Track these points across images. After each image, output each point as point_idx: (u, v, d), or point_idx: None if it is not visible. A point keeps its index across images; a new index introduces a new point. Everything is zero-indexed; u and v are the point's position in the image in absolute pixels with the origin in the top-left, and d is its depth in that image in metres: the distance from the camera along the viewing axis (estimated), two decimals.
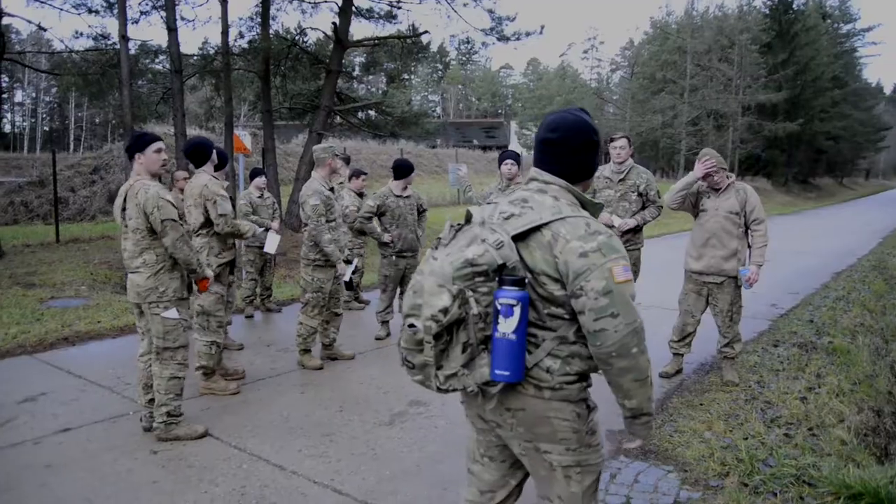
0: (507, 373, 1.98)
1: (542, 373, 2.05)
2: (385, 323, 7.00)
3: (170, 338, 4.25)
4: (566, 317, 2.05)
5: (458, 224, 2.13)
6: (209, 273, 4.44)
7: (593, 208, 2.19)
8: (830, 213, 30.00)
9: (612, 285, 1.94)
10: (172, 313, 4.24)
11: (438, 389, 2.03)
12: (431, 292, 1.95)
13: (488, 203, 2.25)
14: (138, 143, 4.24)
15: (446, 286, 1.94)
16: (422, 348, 1.98)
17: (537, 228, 2.02)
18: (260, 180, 8.00)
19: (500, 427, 2.18)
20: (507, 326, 1.96)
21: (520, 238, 2.02)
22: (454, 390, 2.03)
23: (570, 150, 2.18)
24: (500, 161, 6.33)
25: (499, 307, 1.95)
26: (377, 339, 6.89)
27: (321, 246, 5.65)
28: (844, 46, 53.34)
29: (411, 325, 1.97)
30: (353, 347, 6.48)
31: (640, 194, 5.68)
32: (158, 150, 4.25)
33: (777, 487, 3.55)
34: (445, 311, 1.92)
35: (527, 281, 2.02)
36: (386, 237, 6.76)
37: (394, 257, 6.83)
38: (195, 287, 4.50)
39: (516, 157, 6.35)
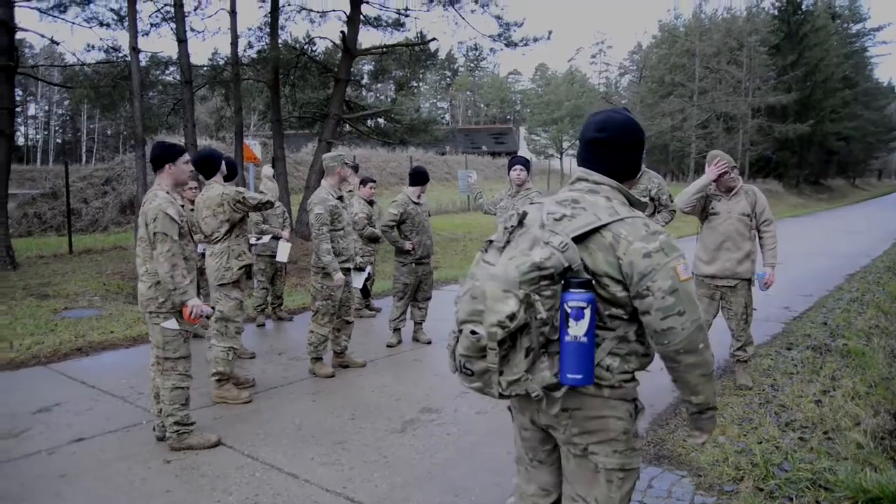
0: (579, 376, 1.96)
1: (603, 371, 2.06)
2: (397, 331, 7.00)
3: (169, 348, 4.26)
4: (625, 317, 2.06)
5: (512, 226, 2.10)
6: (189, 300, 4.20)
7: (641, 207, 2.22)
8: (843, 215, 29.79)
9: (678, 284, 1.97)
10: (172, 324, 4.25)
11: (500, 395, 2.00)
12: (496, 298, 1.91)
13: (531, 204, 2.25)
14: (171, 154, 4.30)
15: (512, 291, 1.90)
16: (484, 355, 1.95)
17: (597, 230, 2.02)
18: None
19: (553, 429, 2.17)
20: (577, 329, 1.93)
21: (578, 240, 2.01)
22: (516, 395, 2.02)
23: (619, 149, 2.20)
24: (510, 167, 6.33)
25: (568, 310, 1.93)
26: (388, 346, 6.89)
27: (319, 255, 5.68)
28: (854, 46, 53.05)
29: (473, 332, 1.93)
30: (365, 355, 6.48)
31: (651, 199, 5.64)
32: (187, 161, 4.37)
33: (793, 492, 3.51)
34: (513, 316, 1.89)
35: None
36: (407, 245, 6.77)
37: (413, 265, 6.85)
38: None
39: (526, 163, 6.34)
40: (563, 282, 1.96)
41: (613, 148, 2.20)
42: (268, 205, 5.30)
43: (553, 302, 1.95)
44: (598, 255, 2.02)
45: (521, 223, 2.10)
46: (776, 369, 5.79)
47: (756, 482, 3.65)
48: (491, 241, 2.13)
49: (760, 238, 5.27)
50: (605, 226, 2.03)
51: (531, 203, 2.27)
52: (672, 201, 5.65)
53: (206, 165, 5.21)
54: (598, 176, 2.20)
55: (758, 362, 5.98)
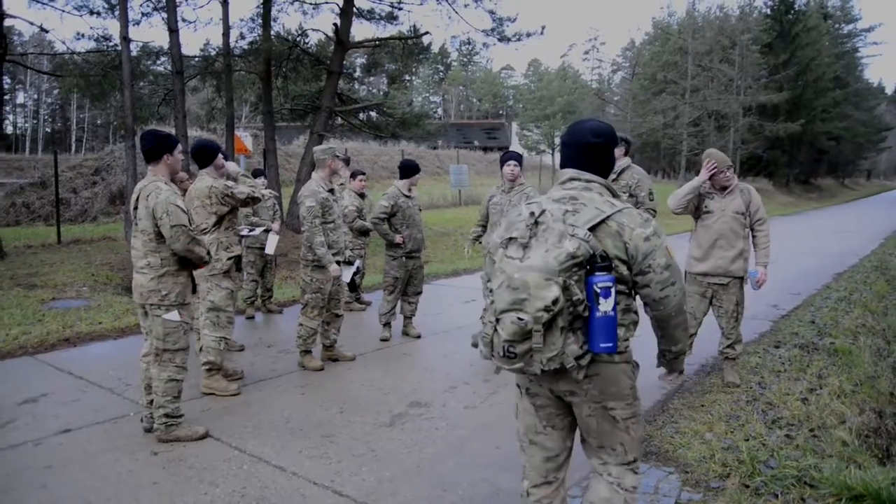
0: (609, 344, 2.30)
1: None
2: (388, 325, 7.00)
3: (170, 340, 4.25)
4: (627, 291, 2.42)
5: (532, 222, 2.36)
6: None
7: (618, 198, 2.57)
8: (832, 214, 29.96)
9: (670, 260, 2.40)
10: (174, 316, 4.24)
11: (541, 371, 2.28)
12: (539, 286, 2.19)
13: (529, 203, 2.49)
14: (168, 144, 4.29)
15: (553, 279, 2.20)
16: (528, 337, 2.21)
17: (604, 220, 2.36)
18: (260, 181, 8.01)
19: (573, 395, 2.47)
20: (606, 306, 2.27)
21: (591, 230, 2.33)
22: (553, 370, 2.30)
23: (608, 152, 2.59)
24: (503, 162, 6.28)
25: (598, 290, 2.26)
26: (382, 340, 6.88)
27: (313, 248, 5.66)
28: (846, 47, 53.30)
29: (520, 318, 2.19)
30: (354, 349, 6.48)
31: (630, 195, 5.63)
32: (181, 151, 4.38)
33: (778, 489, 3.54)
34: (556, 301, 2.18)
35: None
36: (397, 238, 6.77)
37: (403, 258, 6.84)
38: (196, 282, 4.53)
39: (518, 158, 6.33)
40: (587, 267, 2.28)
41: (605, 151, 2.57)
42: (256, 200, 5.29)
43: (580, 285, 2.27)
44: (607, 241, 2.34)
45: (536, 222, 2.36)
46: (764, 367, 5.82)
47: (742, 479, 3.67)
48: (511, 238, 2.36)
49: (754, 237, 5.29)
50: (609, 216, 2.36)
51: (529, 202, 2.51)
52: (652, 199, 5.61)
53: (201, 155, 5.20)
54: (589, 175, 2.54)
55: (745, 360, 6.01)
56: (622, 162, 5.59)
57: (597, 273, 2.28)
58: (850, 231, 20.21)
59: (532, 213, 2.38)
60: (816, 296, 9.35)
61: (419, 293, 7.10)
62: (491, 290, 2.34)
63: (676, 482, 3.70)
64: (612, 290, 2.28)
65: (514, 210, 2.58)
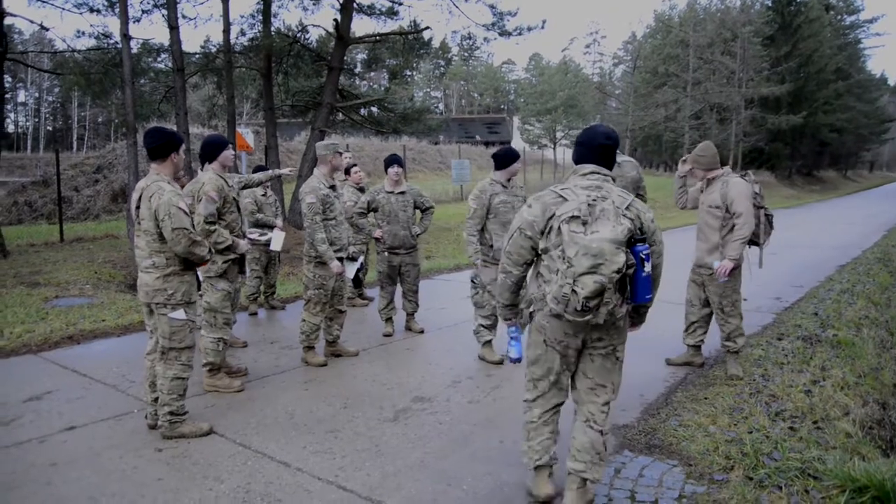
0: (649, 296, 3.10)
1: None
2: (389, 320, 7.00)
3: (176, 338, 4.25)
4: None
5: (588, 207, 2.96)
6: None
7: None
8: (834, 206, 29.91)
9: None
10: (180, 314, 4.24)
11: (604, 321, 2.98)
12: (612, 253, 2.84)
13: (564, 190, 3.12)
14: (175, 142, 4.28)
15: (621, 248, 2.87)
16: (601, 294, 2.86)
17: (629, 205, 3.06)
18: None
19: (600, 340, 3.16)
20: (647, 268, 3.02)
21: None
22: (607, 319, 2.98)
23: (615, 152, 3.27)
24: (510, 160, 6.08)
25: (643, 256, 2.99)
26: (385, 335, 6.89)
27: (315, 245, 5.65)
28: (848, 38, 53.12)
29: (597, 280, 2.82)
30: (357, 344, 6.48)
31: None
32: (184, 149, 4.36)
33: (782, 481, 3.54)
34: (623, 265, 2.86)
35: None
36: (376, 233, 6.79)
37: (386, 254, 6.86)
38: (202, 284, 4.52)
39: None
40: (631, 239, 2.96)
41: (614, 151, 3.25)
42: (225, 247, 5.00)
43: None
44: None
45: (590, 206, 2.97)
46: (767, 359, 5.82)
47: (746, 471, 3.67)
48: (574, 217, 2.94)
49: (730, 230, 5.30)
50: (631, 202, 3.09)
51: (562, 188, 3.14)
52: (644, 193, 6.11)
53: (206, 150, 5.17)
54: (605, 170, 3.19)
55: (748, 352, 6.01)
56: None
57: (638, 244, 2.99)
58: (853, 223, 20.18)
59: (586, 199, 3.00)
60: (819, 288, 9.34)
61: (414, 291, 7.04)
62: (566, 259, 2.89)
63: (680, 475, 3.70)
64: (651, 257, 3.05)
65: (545, 196, 3.16)
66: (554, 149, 43.91)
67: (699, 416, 4.52)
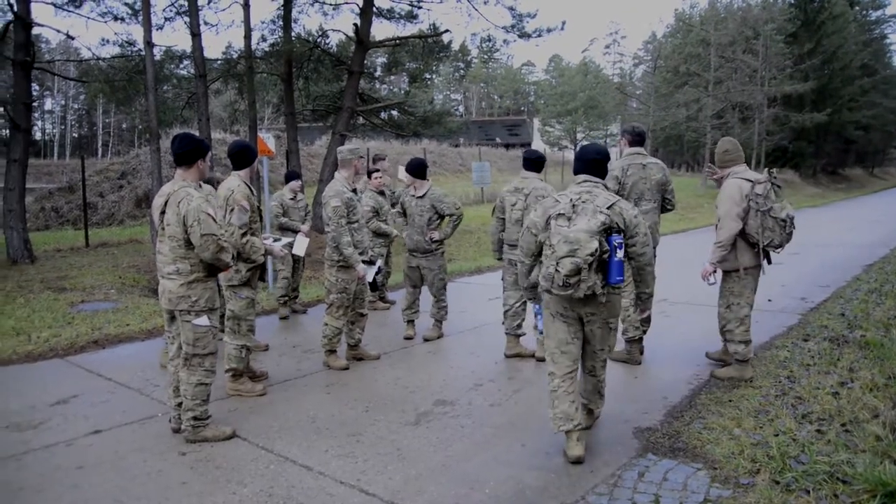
0: (621, 278, 3.79)
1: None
2: (410, 322, 7.00)
3: (199, 345, 4.27)
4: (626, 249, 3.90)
5: (571, 205, 3.80)
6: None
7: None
8: (861, 204, 29.46)
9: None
10: (203, 321, 4.26)
11: (584, 295, 3.74)
12: (586, 241, 3.64)
13: (561, 195, 4.02)
14: (203, 149, 4.31)
15: (594, 237, 3.66)
16: (578, 273, 3.66)
17: (613, 204, 3.83)
18: (295, 183, 8.11)
19: (593, 315, 3.96)
20: (620, 254, 3.77)
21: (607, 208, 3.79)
22: (586, 296, 3.77)
23: (606, 165, 4.13)
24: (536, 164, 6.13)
25: (616, 245, 3.74)
26: (406, 338, 6.90)
27: (340, 248, 5.66)
28: (874, 33, 52.30)
29: (573, 262, 3.64)
30: (379, 347, 6.50)
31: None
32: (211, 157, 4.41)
33: (810, 485, 3.47)
34: (595, 250, 3.64)
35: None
36: (394, 232, 7.03)
37: (406, 254, 6.99)
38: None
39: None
40: (608, 230, 3.73)
41: (604, 164, 4.11)
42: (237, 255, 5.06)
43: (605, 242, 3.73)
44: (615, 216, 3.79)
45: (574, 206, 3.79)
46: (793, 361, 5.73)
47: (772, 475, 3.61)
48: (561, 214, 3.78)
49: None
50: (616, 202, 3.86)
51: (560, 195, 4.04)
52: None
53: (237, 157, 5.24)
54: (596, 178, 4.04)
55: (774, 354, 5.94)
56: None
57: (613, 234, 3.76)
58: (880, 221, 19.84)
59: (571, 200, 3.83)
60: (846, 288, 9.18)
61: (436, 296, 6.93)
62: (551, 245, 3.76)
63: (705, 478, 3.66)
64: (623, 246, 3.79)
65: (546, 201, 4.05)
66: (575, 150, 43.76)
67: (724, 419, 4.46)
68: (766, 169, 5.36)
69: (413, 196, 6.81)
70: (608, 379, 5.48)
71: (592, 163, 4.03)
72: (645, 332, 5.86)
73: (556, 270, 3.69)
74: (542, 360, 5.64)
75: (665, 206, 5.86)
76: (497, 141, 51.28)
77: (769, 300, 8.12)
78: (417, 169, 6.80)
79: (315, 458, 4.06)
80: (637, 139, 5.77)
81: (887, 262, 11.45)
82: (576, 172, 4.09)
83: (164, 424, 4.62)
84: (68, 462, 4.06)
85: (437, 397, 5.12)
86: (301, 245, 7.45)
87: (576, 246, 3.63)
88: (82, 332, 7.15)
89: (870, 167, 62.12)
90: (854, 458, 3.69)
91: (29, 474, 3.90)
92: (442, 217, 6.84)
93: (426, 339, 6.90)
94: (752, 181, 5.18)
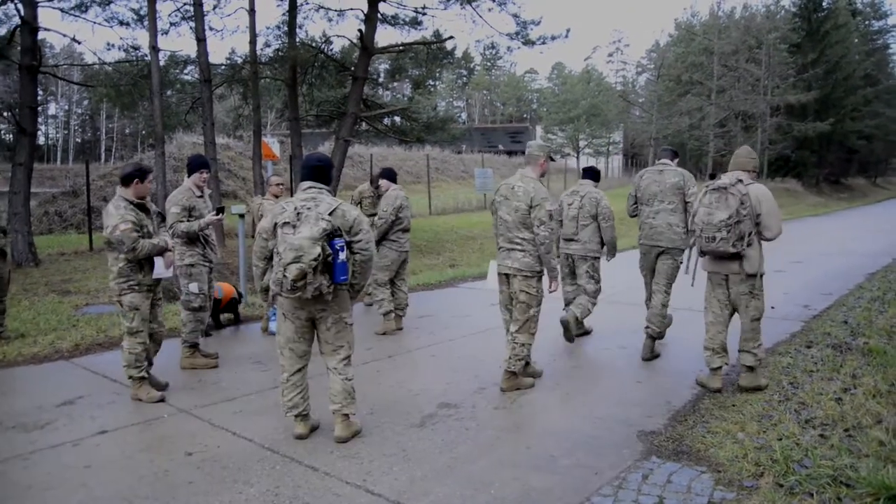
0: (345, 277, 4.07)
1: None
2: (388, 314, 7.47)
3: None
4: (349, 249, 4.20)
5: (296, 214, 4.02)
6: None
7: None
8: (863, 214, 29.47)
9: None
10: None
11: (312, 296, 4.02)
12: (309, 247, 3.90)
13: (289, 202, 4.22)
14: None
15: (317, 243, 3.92)
16: (304, 277, 3.91)
17: (336, 208, 4.12)
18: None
19: (324, 311, 4.24)
20: (343, 256, 4.03)
21: (329, 214, 4.10)
22: (316, 294, 4.02)
23: (330, 171, 4.41)
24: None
25: (339, 248, 4.01)
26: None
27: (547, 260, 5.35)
28: (877, 43, 52.44)
29: (299, 267, 3.88)
30: (382, 351, 6.52)
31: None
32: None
33: (813, 488, 3.49)
34: (318, 256, 3.90)
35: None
36: None
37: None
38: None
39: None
40: (330, 235, 3.99)
41: (329, 170, 4.38)
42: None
43: (328, 245, 4.00)
44: (338, 220, 4.11)
45: (298, 214, 4.04)
46: (796, 367, 5.75)
47: (776, 478, 3.63)
48: (286, 223, 4.02)
49: None
50: (339, 206, 4.16)
51: (287, 202, 4.24)
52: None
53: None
54: (320, 185, 4.27)
55: (777, 360, 5.96)
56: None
57: (336, 238, 4.00)
58: (883, 230, 19.85)
59: (295, 208, 4.05)
60: (849, 296, 9.20)
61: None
62: (277, 252, 4.03)
63: (709, 481, 3.68)
64: (345, 248, 4.04)
65: (275, 208, 4.32)
66: (577, 158, 43.79)
67: (727, 423, 4.48)
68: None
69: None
70: (610, 384, 5.52)
71: (316, 170, 4.26)
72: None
73: (284, 276, 3.94)
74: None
75: (688, 208, 6.07)
76: (499, 148, 51.37)
77: (772, 307, 8.12)
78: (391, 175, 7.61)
79: (321, 459, 4.08)
80: (664, 154, 6.64)
81: (890, 270, 11.47)
82: (301, 180, 4.31)
83: (170, 425, 4.65)
84: (76, 461, 4.08)
85: (441, 400, 5.14)
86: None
87: (300, 252, 3.88)
88: (87, 334, 7.18)
89: (872, 177, 62.04)
90: (857, 462, 3.71)
91: (37, 473, 3.92)
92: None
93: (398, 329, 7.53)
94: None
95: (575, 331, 6.55)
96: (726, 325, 5.31)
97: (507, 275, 5.37)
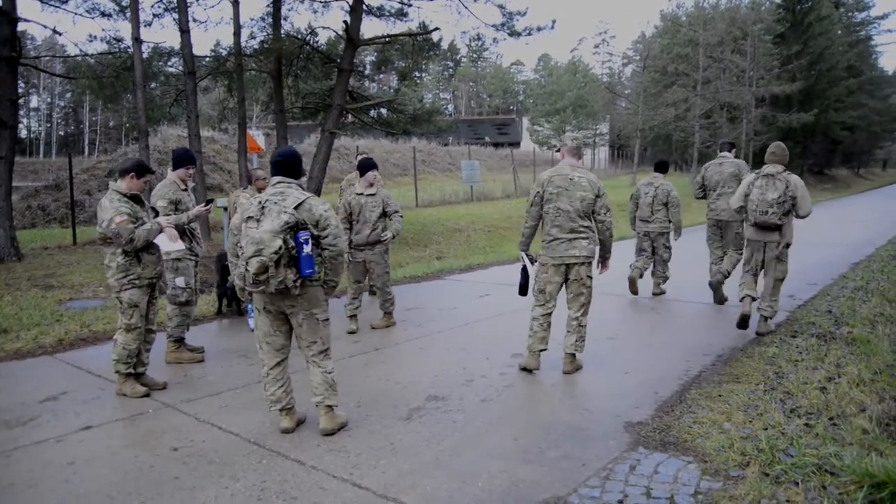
0: (311, 271, 4.00)
1: None
2: (353, 317, 7.17)
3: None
4: (316, 242, 4.16)
5: (260, 208, 4.03)
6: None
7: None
8: (847, 204, 29.71)
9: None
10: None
11: (275, 290, 3.97)
12: (269, 240, 3.87)
13: (257, 197, 4.21)
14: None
15: (277, 236, 3.89)
16: (266, 271, 3.89)
17: (302, 202, 4.10)
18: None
19: (293, 307, 4.18)
20: (308, 249, 3.98)
21: (295, 208, 4.06)
22: (281, 290, 4.00)
23: (299, 165, 4.36)
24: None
25: (303, 241, 3.97)
26: (350, 332, 7.06)
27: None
28: (859, 35, 52.68)
29: (259, 260, 3.86)
30: (371, 344, 6.50)
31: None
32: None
33: (798, 477, 3.52)
34: (280, 247, 3.88)
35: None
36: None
37: (352, 249, 7.13)
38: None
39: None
40: (295, 227, 3.96)
41: (297, 164, 4.35)
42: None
43: (292, 238, 3.96)
44: (304, 213, 4.10)
45: (262, 207, 4.04)
46: (781, 357, 5.79)
47: (762, 467, 3.65)
48: (250, 217, 4.03)
49: None
50: (305, 200, 4.12)
51: (255, 197, 4.23)
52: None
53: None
54: (289, 179, 4.27)
55: (762, 350, 5.99)
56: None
57: (300, 231, 3.97)
58: (867, 221, 20.02)
59: (260, 202, 4.06)
60: (833, 286, 9.28)
61: (382, 289, 7.27)
62: (240, 246, 4.03)
63: (696, 471, 3.69)
64: (310, 241, 3.99)
65: (245, 203, 4.36)
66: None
67: (714, 413, 4.50)
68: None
69: (360, 194, 7.04)
70: (598, 376, 5.54)
71: (284, 164, 4.26)
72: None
73: (247, 270, 3.93)
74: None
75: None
76: (486, 140, 51.33)
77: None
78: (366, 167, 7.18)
79: (307, 453, 4.06)
80: (723, 147, 8.56)
81: (873, 260, 11.57)
82: (272, 175, 4.30)
83: (155, 421, 4.61)
84: (59, 458, 4.04)
85: (428, 393, 5.14)
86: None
87: (261, 246, 3.86)
88: (71, 329, 7.11)
89: (855, 167, 62.63)
90: (841, 450, 3.74)
91: (19, 470, 3.88)
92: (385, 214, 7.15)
93: (374, 328, 7.25)
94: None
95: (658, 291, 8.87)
96: (757, 277, 6.80)
97: (567, 264, 5.46)
